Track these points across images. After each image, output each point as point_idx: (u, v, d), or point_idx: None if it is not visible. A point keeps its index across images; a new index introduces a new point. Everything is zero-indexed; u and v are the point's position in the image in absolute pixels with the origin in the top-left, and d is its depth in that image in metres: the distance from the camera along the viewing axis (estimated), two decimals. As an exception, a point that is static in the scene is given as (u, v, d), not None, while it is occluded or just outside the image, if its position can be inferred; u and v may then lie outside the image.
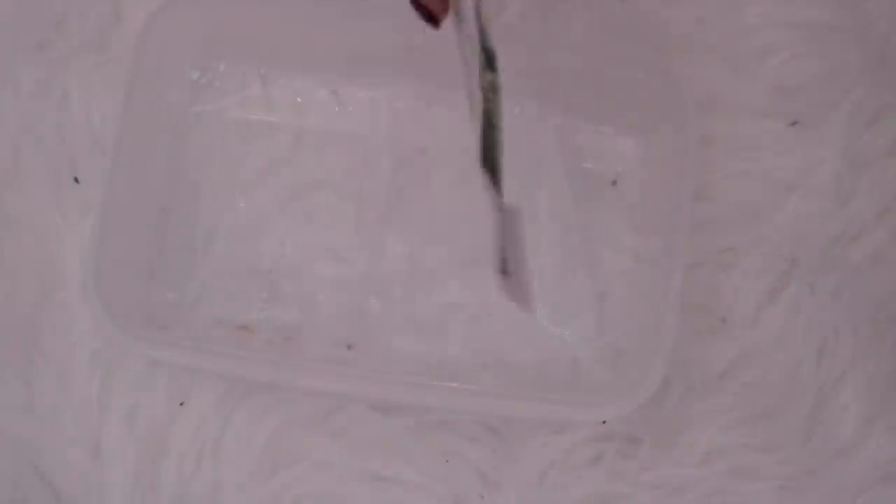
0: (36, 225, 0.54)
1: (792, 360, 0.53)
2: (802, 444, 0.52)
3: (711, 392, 0.53)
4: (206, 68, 0.57)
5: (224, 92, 0.57)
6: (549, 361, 0.53)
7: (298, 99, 0.57)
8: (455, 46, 0.53)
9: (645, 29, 0.57)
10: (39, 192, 0.55)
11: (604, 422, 0.50)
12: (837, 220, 0.55)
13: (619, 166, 0.56)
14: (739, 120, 0.56)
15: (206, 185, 0.56)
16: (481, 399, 0.51)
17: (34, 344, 0.53)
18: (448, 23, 0.45)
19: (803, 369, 0.53)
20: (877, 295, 0.54)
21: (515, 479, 0.52)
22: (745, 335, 0.54)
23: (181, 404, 0.52)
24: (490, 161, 0.47)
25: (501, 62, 0.54)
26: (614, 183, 0.56)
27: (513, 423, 0.52)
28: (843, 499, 0.52)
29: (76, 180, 0.55)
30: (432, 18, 0.45)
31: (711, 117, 0.55)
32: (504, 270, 0.47)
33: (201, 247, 0.55)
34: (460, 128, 0.56)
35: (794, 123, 0.56)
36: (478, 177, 0.56)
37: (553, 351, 0.54)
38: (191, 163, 0.56)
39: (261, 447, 0.52)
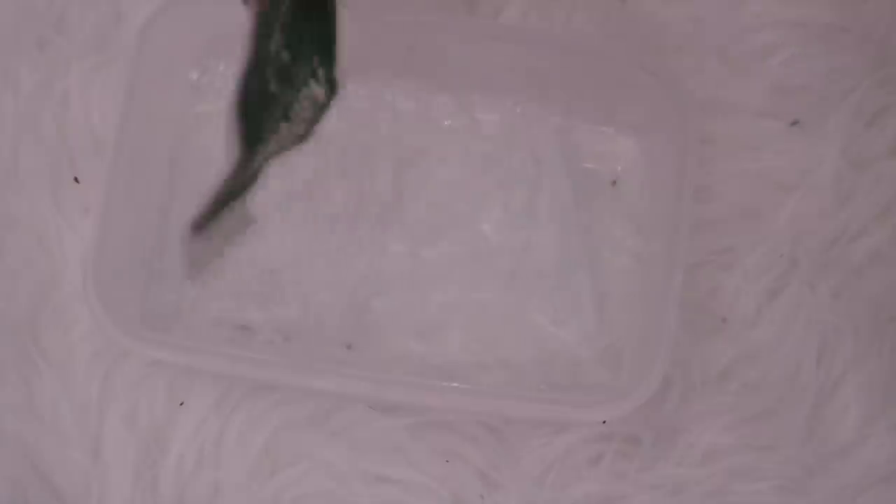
0: (36, 225, 0.54)
1: (792, 360, 0.53)
2: (802, 444, 0.52)
3: (711, 392, 0.53)
4: (206, 68, 0.57)
5: (224, 92, 0.57)
6: (549, 361, 0.53)
7: (298, 99, 0.57)
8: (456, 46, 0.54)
9: (645, 29, 0.57)
10: (39, 192, 0.55)
11: (604, 422, 0.50)
12: (837, 220, 0.55)
13: (619, 166, 0.56)
14: (739, 120, 0.56)
15: (206, 185, 0.55)
16: (481, 399, 0.51)
17: (34, 344, 0.53)
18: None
19: (803, 369, 0.53)
20: (877, 295, 0.54)
21: (515, 479, 0.52)
22: (745, 335, 0.53)
23: (181, 404, 0.52)
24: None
25: (502, 62, 0.55)
26: (614, 183, 0.56)
27: (513, 423, 0.52)
28: (843, 499, 0.52)
29: (76, 180, 0.55)
30: None
31: (711, 117, 0.55)
32: (202, 224, 0.42)
33: (201, 247, 0.55)
34: (461, 128, 0.56)
35: (794, 123, 0.56)
36: (478, 177, 0.56)
37: (553, 351, 0.54)
38: (191, 163, 0.56)
39: (260, 447, 0.52)
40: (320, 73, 0.42)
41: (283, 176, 0.56)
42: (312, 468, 0.52)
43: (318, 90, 0.42)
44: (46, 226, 0.54)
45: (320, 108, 0.43)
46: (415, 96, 0.56)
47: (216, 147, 0.56)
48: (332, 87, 0.43)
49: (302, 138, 0.44)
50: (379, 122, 0.56)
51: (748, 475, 0.52)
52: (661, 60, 0.55)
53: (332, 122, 0.56)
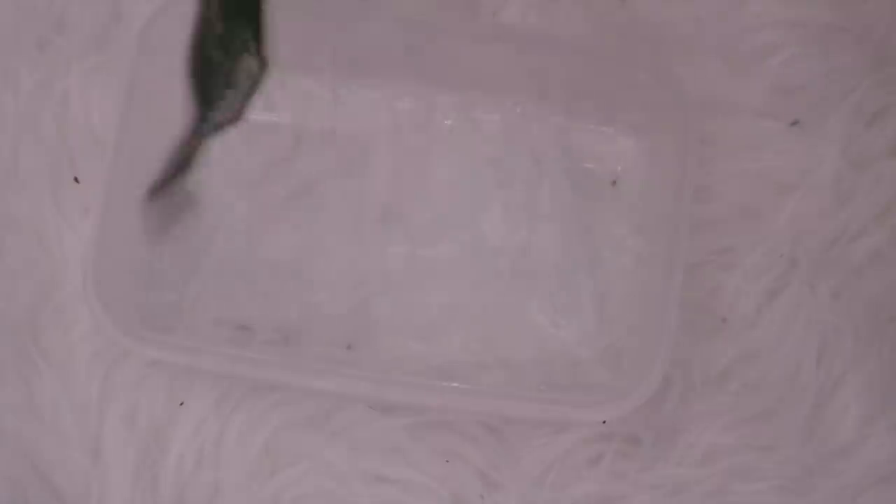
0: (36, 225, 0.54)
1: (792, 360, 0.53)
2: (802, 444, 0.52)
3: (711, 392, 0.53)
4: (206, 68, 0.57)
5: (224, 92, 0.57)
6: (549, 361, 0.53)
7: (298, 99, 0.57)
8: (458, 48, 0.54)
9: (645, 29, 0.57)
10: (39, 192, 0.55)
11: (604, 422, 0.50)
12: (837, 220, 0.55)
13: (619, 166, 0.56)
14: (739, 120, 0.56)
15: (206, 184, 0.56)
16: (481, 399, 0.51)
17: (34, 344, 0.53)
18: None
19: (803, 369, 0.53)
20: (877, 295, 0.54)
21: (515, 479, 0.52)
22: (745, 335, 0.53)
23: (181, 404, 0.52)
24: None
25: (502, 62, 0.55)
26: (614, 183, 0.56)
27: (513, 423, 0.52)
28: (843, 499, 0.52)
29: (76, 180, 0.55)
30: None
31: (711, 117, 0.55)
32: (155, 192, 0.45)
33: (201, 247, 0.55)
34: (461, 128, 0.56)
35: (794, 123, 0.56)
36: (478, 177, 0.56)
37: (553, 351, 0.54)
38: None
39: (260, 447, 0.52)
40: (252, 47, 0.44)
41: (282, 176, 0.56)
42: (312, 468, 0.52)
43: (252, 62, 0.44)
44: (46, 226, 0.54)
45: (255, 82, 0.44)
46: (415, 96, 0.56)
47: (216, 147, 0.56)
48: (263, 63, 0.44)
49: (238, 114, 0.45)
50: (379, 122, 0.56)
51: (748, 475, 0.52)
52: (661, 60, 0.55)
53: (333, 122, 0.56)
